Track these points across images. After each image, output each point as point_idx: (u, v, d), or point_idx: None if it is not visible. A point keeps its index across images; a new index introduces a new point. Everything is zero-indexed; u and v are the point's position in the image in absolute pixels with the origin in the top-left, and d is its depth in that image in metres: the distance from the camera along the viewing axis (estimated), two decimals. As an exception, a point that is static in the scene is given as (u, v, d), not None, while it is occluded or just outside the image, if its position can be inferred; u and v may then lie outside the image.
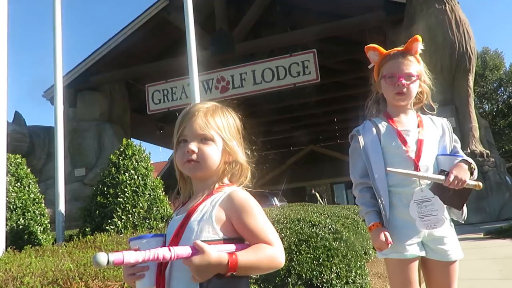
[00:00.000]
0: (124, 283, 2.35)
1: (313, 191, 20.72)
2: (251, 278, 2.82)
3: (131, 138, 13.30)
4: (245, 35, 13.11)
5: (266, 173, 22.10)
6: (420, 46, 1.82)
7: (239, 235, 1.15)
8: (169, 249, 1.02)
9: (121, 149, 4.91)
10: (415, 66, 1.80)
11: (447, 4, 9.92)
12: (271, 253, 1.10)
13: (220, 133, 1.25)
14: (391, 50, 1.86)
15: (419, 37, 1.81)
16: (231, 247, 1.09)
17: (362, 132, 1.84)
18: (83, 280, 2.38)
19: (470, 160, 1.71)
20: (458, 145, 1.82)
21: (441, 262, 1.69)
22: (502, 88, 29.88)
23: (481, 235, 6.98)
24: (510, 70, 29.67)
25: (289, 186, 23.00)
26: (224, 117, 1.29)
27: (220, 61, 13.09)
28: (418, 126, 1.79)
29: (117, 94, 14.51)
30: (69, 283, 2.32)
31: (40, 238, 4.68)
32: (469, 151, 9.56)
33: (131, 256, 0.98)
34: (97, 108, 13.75)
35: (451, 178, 1.59)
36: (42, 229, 4.80)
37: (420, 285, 1.76)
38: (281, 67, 12.13)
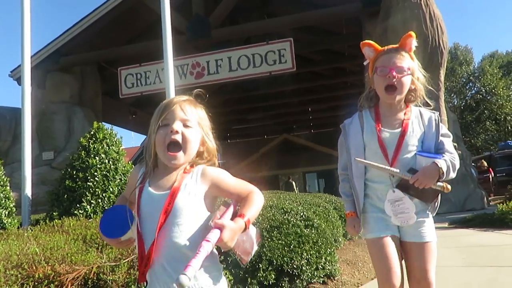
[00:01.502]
0: (91, 268, 2.31)
1: (290, 179, 20.88)
2: (222, 263, 2.82)
3: (103, 122, 13.01)
4: (222, 21, 12.95)
5: (239, 161, 22.09)
6: (414, 43, 1.86)
7: (222, 196, 1.36)
8: (208, 241, 1.16)
9: (92, 132, 4.79)
10: (408, 61, 1.84)
11: (422, -2, 10.06)
12: (258, 198, 1.34)
13: (200, 122, 1.36)
14: (385, 46, 1.89)
15: (412, 34, 1.85)
16: (230, 211, 1.27)
17: (348, 127, 1.92)
18: (50, 264, 2.32)
19: (449, 160, 1.76)
20: (447, 140, 1.85)
21: (416, 243, 1.81)
22: (470, 84, 30.78)
23: (446, 225, 7.22)
24: (479, 66, 30.56)
25: (262, 174, 23.09)
26: (202, 110, 1.41)
27: (196, 47, 12.89)
28: (403, 127, 1.82)
29: (88, 76, 14.09)
30: (34, 267, 2.26)
31: (5, 222, 4.54)
32: (437, 143, 9.83)
33: (196, 265, 1.11)
34: (67, 90, 13.32)
35: (414, 178, 1.72)
36: (7, 212, 4.65)
37: (401, 262, 1.83)
38: (257, 54, 12.07)
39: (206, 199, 1.31)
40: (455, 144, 10.02)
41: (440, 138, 1.84)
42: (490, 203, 10.94)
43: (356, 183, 1.86)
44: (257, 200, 1.34)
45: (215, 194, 1.34)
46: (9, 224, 4.54)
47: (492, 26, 64.69)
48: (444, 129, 1.86)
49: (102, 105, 14.61)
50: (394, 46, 1.87)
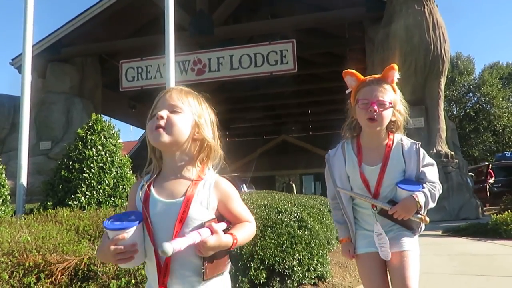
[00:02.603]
0: (83, 259, 2.31)
1: (291, 181, 20.93)
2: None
3: (102, 115, 12.98)
4: (226, 19, 12.95)
5: (236, 159, 22.09)
6: (396, 75, 1.85)
7: (219, 214, 1.32)
8: (199, 233, 1.18)
9: (90, 124, 4.78)
10: (390, 94, 1.83)
11: (425, 6, 10.08)
12: (252, 229, 1.36)
13: (190, 108, 1.32)
14: (368, 77, 1.89)
15: (395, 66, 1.85)
16: (224, 225, 1.28)
17: (332, 159, 1.97)
18: (41, 253, 2.32)
19: (428, 192, 1.79)
20: (428, 169, 1.86)
21: (395, 252, 1.84)
22: (470, 94, 30.84)
23: (440, 233, 7.24)
24: (480, 76, 30.62)
25: (258, 174, 23.09)
26: (197, 100, 1.37)
27: (198, 43, 12.89)
28: (383, 162, 1.84)
29: (89, 68, 14.06)
30: (25, 255, 2.26)
31: (-1, 209, 4.53)
32: (435, 151, 9.84)
33: (182, 245, 1.13)
34: (67, 80, 13.30)
35: (393, 211, 1.77)
36: (1, 200, 4.63)
37: (387, 276, 1.90)
38: (259, 54, 12.07)
39: (213, 209, 1.31)
40: (452, 152, 10.07)
41: (422, 168, 1.86)
42: (485, 213, 10.98)
43: (347, 209, 1.92)
44: (251, 231, 1.36)
45: (219, 208, 1.32)
46: (3, 212, 4.53)
47: (496, 37, 64.88)
48: (426, 158, 1.87)
49: (101, 97, 14.59)
50: (377, 76, 1.87)
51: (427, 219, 1.81)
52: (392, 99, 1.83)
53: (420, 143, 1.91)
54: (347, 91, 1.95)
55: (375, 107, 1.78)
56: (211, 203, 1.29)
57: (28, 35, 5.30)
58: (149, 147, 1.36)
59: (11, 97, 13.04)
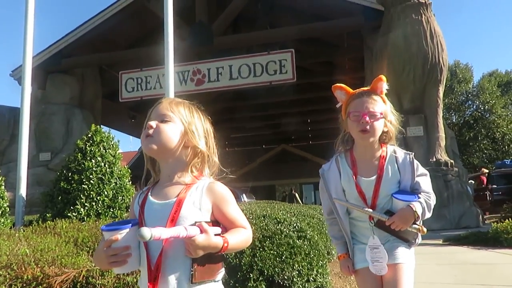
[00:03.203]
0: (81, 271, 2.30)
1: (293, 190, 20.91)
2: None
3: (101, 125, 12.99)
4: (225, 29, 13.03)
5: (236, 169, 22.07)
6: (385, 86, 1.87)
7: (215, 218, 1.32)
8: (185, 228, 1.17)
9: (89, 135, 4.78)
10: (380, 105, 1.84)
11: (423, 15, 10.15)
12: (247, 235, 1.34)
13: (180, 117, 1.37)
14: (357, 89, 1.90)
15: (383, 77, 1.86)
16: (218, 229, 1.28)
17: (327, 173, 1.97)
18: (39, 266, 2.31)
19: (424, 202, 1.79)
20: (423, 179, 1.86)
21: (389, 264, 1.83)
22: (469, 101, 30.90)
23: (440, 242, 7.21)
24: (479, 84, 30.71)
25: (258, 183, 23.06)
26: (188, 109, 1.41)
27: (198, 54, 12.96)
28: (378, 173, 1.85)
29: (89, 79, 14.12)
30: (23, 268, 2.25)
31: (-2, 221, 4.52)
32: (434, 159, 9.84)
33: (163, 234, 1.12)
34: (67, 91, 13.34)
35: (390, 221, 1.77)
36: (0, 212, 4.63)
37: None
38: (258, 64, 12.13)
39: (207, 211, 1.31)
40: (452, 160, 10.06)
41: (416, 178, 1.86)
42: (486, 221, 10.94)
43: (344, 223, 1.91)
44: (245, 237, 1.34)
45: (214, 212, 1.33)
46: (2, 224, 4.52)
47: (494, 45, 65.22)
48: (420, 168, 1.88)
49: (101, 108, 14.63)
50: (366, 89, 1.89)
51: (425, 229, 1.81)
52: (383, 110, 1.85)
53: (413, 153, 1.92)
54: (337, 105, 1.96)
55: (367, 118, 1.79)
56: (204, 205, 1.30)
57: (28, 46, 5.34)
58: (145, 158, 1.42)
59: (11, 109, 13.07)
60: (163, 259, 1.23)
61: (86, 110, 13.66)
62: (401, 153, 1.89)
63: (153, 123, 1.33)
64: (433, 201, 1.83)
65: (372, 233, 1.86)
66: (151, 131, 1.32)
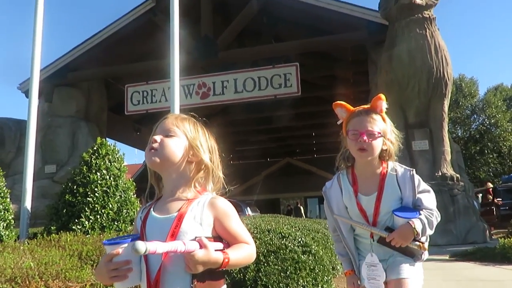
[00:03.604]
0: (85, 285, 2.29)
1: (299, 204, 20.84)
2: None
3: (107, 138, 13.06)
4: (230, 43, 13.14)
5: (240, 182, 22.03)
6: (384, 105, 1.87)
7: (217, 234, 1.31)
8: (184, 243, 1.15)
9: (95, 148, 4.81)
10: (379, 124, 1.84)
11: (427, 30, 10.19)
12: (250, 251, 1.32)
13: (185, 132, 1.38)
14: (357, 107, 1.91)
15: (382, 96, 1.87)
16: (219, 245, 1.26)
17: (329, 191, 1.99)
18: (43, 279, 2.30)
19: (425, 218, 1.78)
20: (425, 195, 1.85)
21: (393, 280, 1.82)
22: (475, 115, 30.79)
23: (447, 257, 7.12)
24: (484, 98, 30.64)
25: (263, 197, 22.97)
26: (193, 125, 1.42)
27: (203, 67, 13.06)
28: (378, 191, 1.85)
29: (95, 92, 14.25)
30: (28, 282, 2.24)
31: (2, 234, 4.52)
32: (440, 173, 9.78)
33: (159, 248, 1.11)
34: (73, 104, 13.46)
35: (390, 238, 1.77)
36: (5, 224, 4.63)
37: None
38: (263, 77, 12.19)
39: (208, 226, 1.30)
40: (458, 175, 9.99)
41: (418, 195, 1.85)
42: (493, 237, 10.81)
43: (348, 240, 1.92)
44: (248, 253, 1.32)
45: (216, 227, 1.31)
46: (7, 237, 4.53)
47: (498, 59, 65.28)
48: (422, 185, 1.87)
49: (107, 120, 14.72)
50: (366, 107, 1.89)
51: (426, 246, 1.80)
52: (382, 129, 1.84)
53: (414, 169, 1.91)
54: (338, 122, 1.97)
55: (365, 137, 1.79)
56: (205, 220, 1.28)
57: (36, 60, 5.41)
58: (149, 173, 1.42)
59: (18, 121, 13.19)
60: (162, 274, 1.22)
61: (92, 123, 13.76)
62: (401, 169, 1.89)
63: (157, 137, 1.34)
64: (435, 218, 1.82)
65: (371, 250, 1.86)
66: (155, 145, 1.33)
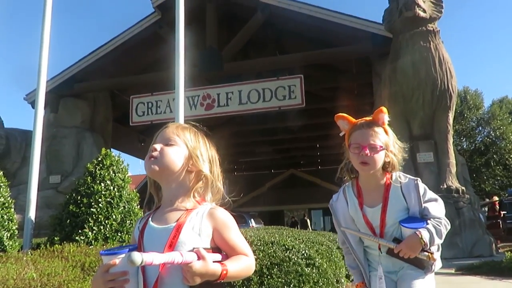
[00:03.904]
0: (87, 297, 2.28)
1: (305, 216, 20.78)
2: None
3: (111, 149, 13.07)
4: (234, 55, 13.22)
5: (244, 194, 21.97)
6: (386, 118, 1.86)
7: (216, 245, 1.29)
8: (181, 254, 1.14)
9: (99, 159, 4.83)
10: (381, 137, 1.84)
11: (431, 43, 10.22)
12: (248, 263, 1.29)
13: (186, 141, 1.37)
14: (359, 120, 1.91)
15: (384, 109, 1.86)
16: (218, 256, 1.25)
17: (336, 204, 1.98)
18: (46, 291, 2.29)
19: (432, 228, 1.75)
20: (431, 205, 1.83)
21: None
22: (480, 127, 30.67)
23: (453, 271, 7.04)
24: (489, 110, 30.55)
25: (267, 208, 22.89)
26: (194, 134, 1.41)
27: (208, 79, 13.13)
28: (383, 203, 1.84)
29: (100, 103, 14.35)
30: (30, 293, 2.23)
31: (6, 244, 4.52)
32: (445, 186, 9.71)
33: (156, 259, 1.09)
34: (79, 115, 13.55)
35: (398, 249, 1.75)
36: (9, 235, 4.64)
37: None
38: (268, 89, 12.23)
39: (207, 236, 1.29)
40: (463, 187, 9.92)
41: (425, 204, 1.83)
42: (499, 250, 10.68)
43: (357, 252, 1.91)
44: (247, 265, 1.29)
45: (215, 238, 1.30)
46: (10, 247, 4.53)
47: (502, 71, 65.23)
48: (428, 194, 1.85)
49: (112, 131, 14.78)
50: (368, 119, 1.88)
51: (435, 256, 1.77)
52: (384, 142, 1.83)
53: (418, 179, 1.90)
54: (341, 134, 1.97)
55: (367, 151, 1.79)
56: (204, 230, 1.27)
57: (43, 71, 5.47)
58: (148, 182, 1.42)
59: (24, 131, 13.28)
60: (159, 286, 1.20)
61: (97, 134, 13.83)
62: (405, 179, 1.87)
63: (157, 146, 1.34)
64: (444, 226, 1.79)
65: (379, 262, 1.84)
66: (155, 154, 1.32)
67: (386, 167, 1.88)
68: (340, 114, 1.96)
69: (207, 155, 1.41)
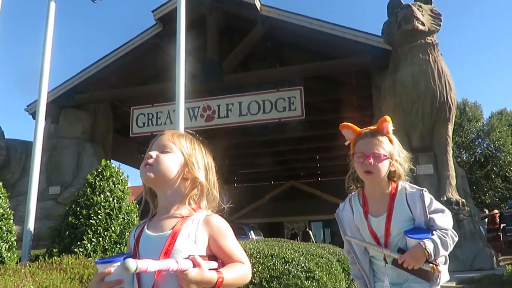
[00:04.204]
0: (86, 310, 2.26)
1: (307, 228, 20.69)
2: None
3: (111, 160, 13.06)
4: (235, 67, 13.30)
5: (244, 205, 21.91)
6: (390, 127, 1.87)
7: (212, 252, 1.29)
8: (177, 262, 1.14)
9: (99, 170, 4.83)
10: (386, 146, 1.84)
11: (430, 55, 10.29)
12: (245, 271, 1.29)
13: (181, 148, 1.37)
14: (364, 129, 1.92)
15: (388, 118, 1.88)
16: (214, 263, 1.25)
17: (342, 213, 1.98)
18: (44, 303, 2.28)
19: (437, 239, 1.74)
20: (437, 216, 1.82)
21: None
22: (480, 139, 30.71)
23: (454, 284, 6.99)
24: (489, 122, 30.62)
25: (266, 220, 22.79)
26: (190, 142, 1.42)
27: (208, 90, 13.18)
28: (388, 212, 1.84)
29: (101, 114, 14.39)
30: (28, 306, 2.22)
31: (4, 256, 4.50)
32: (445, 198, 9.69)
33: (150, 266, 1.09)
34: (79, 126, 13.57)
35: (402, 260, 1.74)
36: (7, 246, 4.61)
37: None
38: (268, 101, 12.28)
39: (202, 244, 1.28)
40: (463, 200, 9.90)
41: (430, 215, 1.82)
42: (500, 263, 10.62)
43: (362, 262, 1.90)
44: (243, 273, 1.29)
45: (210, 245, 1.30)
46: (8, 259, 4.50)
47: (501, 83, 65.52)
48: (434, 204, 1.84)
49: (112, 142, 14.79)
50: (372, 128, 1.89)
51: (440, 268, 1.75)
52: (388, 151, 1.83)
53: (424, 189, 1.89)
54: (346, 143, 1.98)
55: (371, 160, 1.79)
56: (200, 238, 1.27)
57: (44, 83, 5.50)
58: (144, 190, 1.42)
59: (24, 142, 13.29)
60: None
61: (97, 145, 13.83)
62: (411, 189, 1.87)
63: (153, 153, 1.34)
64: (450, 238, 1.77)
65: (385, 274, 1.83)
66: (150, 161, 1.33)
67: (392, 176, 1.87)
68: (345, 123, 1.97)
69: (203, 162, 1.41)
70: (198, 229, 1.28)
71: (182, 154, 1.36)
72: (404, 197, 1.85)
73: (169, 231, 1.27)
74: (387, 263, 1.83)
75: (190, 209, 1.34)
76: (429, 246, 1.71)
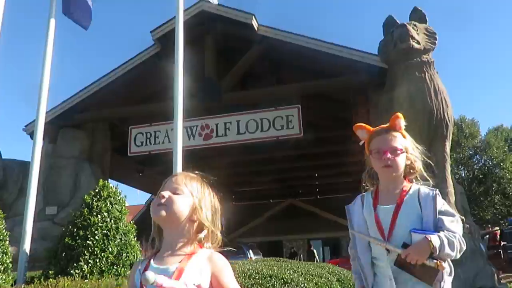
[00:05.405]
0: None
1: (312, 247, 20.52)
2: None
3: (110, 179, 13.01)
4: (233, 85, 13.39)
5: (243, 224, 21.74)
6: (402, 122, 1.95)
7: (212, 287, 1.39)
8: (186, 285, 1.28)
9: (97, 190, 4.81)
10: (400, 140, 1.93)
11: (426, 73, 10.37)
12: None
13: (192, 191, 1.46)
14: (377, 127, 1.99)
15: (399, 114, 1.96)
16: None
17: (352, 207, 2.02)
18: (38, 328, 2.24)
19: (444, 236, 1.73)
20: (446, 218, 1.82)
21: None
22: (477, 156, 30.78)
23: (455, 303, 6.90)
24: (486, 139, 30.74)
25: (265, 239, 22.59)
26: (201, 185, 1.51)
27: (206, 109, 13.23)
28: (397, 202, 1.85)
29: (99, 133, 14.38)
30: (22, 331, 2.18)
31: (-1, 278, 4.44)
32: (444, 215, 9.66)
33: (165, 283, 1.22)
34: (77, 146, 13.54)
35: (405, 253, 1.73)
36: (2, 268, 4.56)
37: None
38: (266, 119, 12.33)
39: (205, 280, 1.38)
40: (463, 217, 9.83)
41: (440, 216, 1.83)
42: (501, 281, 10.51)
43: (362, 258, 1.90)
44: None
45: (212, 282, 1.40)
46: (3, 281, 4.44)
47: (497, 100, 66.04)
48: (444, 206, 1.86)
49: (110, 161, 14.75)
50: (385, 126, 1.97)
51: (444, 265, 1.72)
52: (403, 145, 1.91)
53: (437, 189, 1.91)
54: (360, 143, 2.06)
55: (388, 154, 1.85)
56: (204, 272, 1.37)
57: (42, 103, 5.51)
58: (153, 226, 1.49)
59: (21, 162, 13.24)
60: None
61: (95, 164, 13.78)
62: (425, 190, 1.91)
63: (165, 193, 1.42)
64: (458, 241, 1.75)
65: (387, 275, 1.81)
66: (163, 200, 1.41)
67: (408, 170, 1.92)
68: (358, 124, 2.10)
69: (210, 206, 1.50)
70: (202, 264, 1.39)
71: (192, 197, 1.45)
72: (416, 194, 1.89)
73: (176, 266, 1.36)
74: (388, 259, 1.81)
75: (194, 247, 1.45)
76: (435, 240, 1.71)
